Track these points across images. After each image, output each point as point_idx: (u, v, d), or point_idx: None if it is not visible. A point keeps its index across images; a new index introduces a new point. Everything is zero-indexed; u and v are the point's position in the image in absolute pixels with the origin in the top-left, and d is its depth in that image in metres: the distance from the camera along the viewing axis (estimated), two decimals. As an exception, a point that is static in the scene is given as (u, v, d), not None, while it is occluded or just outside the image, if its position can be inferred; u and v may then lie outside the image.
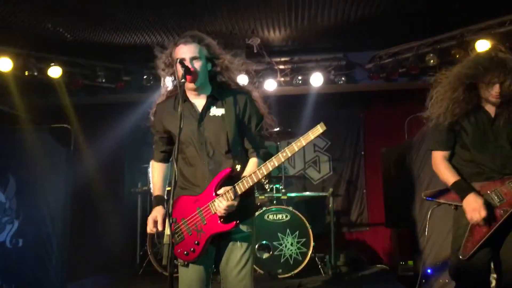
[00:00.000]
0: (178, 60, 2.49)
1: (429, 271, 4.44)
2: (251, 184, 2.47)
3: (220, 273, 2.68)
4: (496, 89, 2.72)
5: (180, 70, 2.49)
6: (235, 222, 2.49)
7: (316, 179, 7.21)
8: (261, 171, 2.45)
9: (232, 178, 2.52)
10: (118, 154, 7.12)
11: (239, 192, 2.47)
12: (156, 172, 2.80)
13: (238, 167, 2.56)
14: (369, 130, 7.16)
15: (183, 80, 2.47)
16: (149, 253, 5.24)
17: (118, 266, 6.06)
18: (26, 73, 5.46)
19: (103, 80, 6.06)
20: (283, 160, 2.39)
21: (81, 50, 5.93)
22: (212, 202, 2.52)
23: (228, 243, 2.62)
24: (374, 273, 5.62)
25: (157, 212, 2.63)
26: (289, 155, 2.36)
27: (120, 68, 6.32)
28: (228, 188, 2.49)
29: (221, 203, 2.47)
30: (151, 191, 2.88)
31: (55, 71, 5.64)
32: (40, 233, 4.61)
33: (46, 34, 5.36)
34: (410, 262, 5.39)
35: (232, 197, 2.47)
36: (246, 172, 2.56)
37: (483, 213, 2.67)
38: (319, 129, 2.32)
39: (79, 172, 5.21)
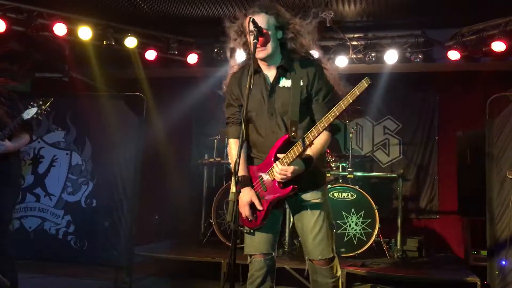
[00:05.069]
0: (251, 19, 2.48)
1: (503, 262, 4.17)
2: (304, 147, 2.49)
3: (300, 238, 2.74)
4: None
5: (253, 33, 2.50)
6: (292, 186, 2.51)
7: (384, 162, 6.95)
8: (312, 133, 2.48)
9: (291, 145, 2.54)
10: (187, 127, 7.29)
11: (295, 156, 2.49)
12: (236, 150, 2.66)
13: (294, 134, 2.55)
14: (444, 113, 6.75)
15: (255, 40, 2.48)
16: (213, 223, 5.33)
17: (182, 234, 6.22)
18: (104, 42, 5.69)
19: (175, 52, 6.17)
20: (331, 120, 2.42)
21: (156, 22, 6.06)
22: (272, 168, 2.56)
23: (300, 210, 2.65)
24: (443, 260, 5.36)
25: (249, 195, 2.58)
26: (337, 114, 2.41)
27: (192, 42, 6.41)
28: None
29: (277, 168, 2.50)
30: (232, 170, 2.77)
31: (131, 42, 5.84)
32: (113, 196, 4.82)
33: (124, 5, 5.52)
34: (484, 252, 5.08)
35: (289, 162, 2.50)
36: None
37: None
38: (364, 84, 2.34)
39: (149, 141, 5.36)
